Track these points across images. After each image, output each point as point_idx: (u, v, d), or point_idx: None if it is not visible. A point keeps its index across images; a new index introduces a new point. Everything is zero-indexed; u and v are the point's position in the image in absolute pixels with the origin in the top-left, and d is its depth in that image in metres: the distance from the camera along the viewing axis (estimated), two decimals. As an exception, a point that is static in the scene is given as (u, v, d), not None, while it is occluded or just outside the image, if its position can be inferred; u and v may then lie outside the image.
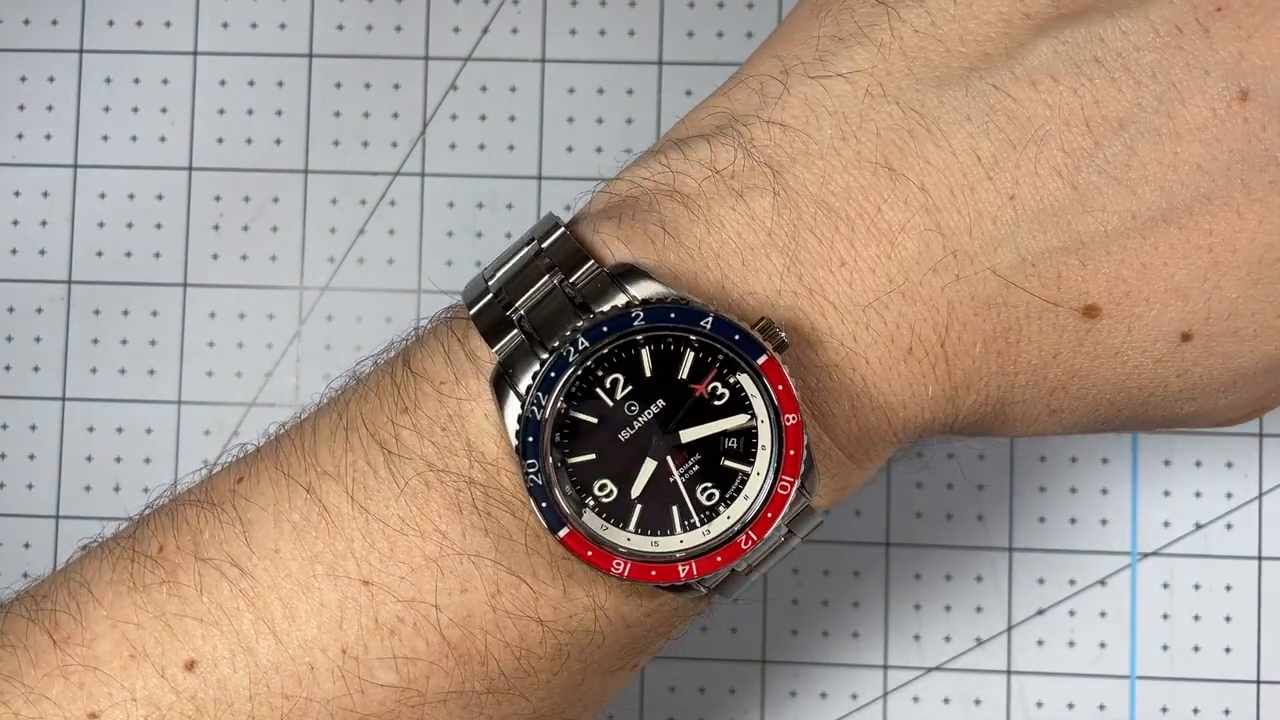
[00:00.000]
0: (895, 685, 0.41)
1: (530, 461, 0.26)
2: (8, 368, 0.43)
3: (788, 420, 0.26)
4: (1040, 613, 0.41)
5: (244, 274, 0.43)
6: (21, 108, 0.44)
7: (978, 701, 0.41)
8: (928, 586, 0.42)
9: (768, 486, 0.27)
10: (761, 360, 0.26)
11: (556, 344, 0.27)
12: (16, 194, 0.44)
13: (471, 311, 0.28)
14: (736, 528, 0.27)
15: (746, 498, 0.27)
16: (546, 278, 0.28)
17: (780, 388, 0.26)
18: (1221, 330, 0.28)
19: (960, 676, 0.41)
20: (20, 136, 0.44)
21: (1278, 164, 0.27)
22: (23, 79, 0.44)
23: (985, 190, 0.27)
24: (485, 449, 0.27)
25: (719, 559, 0.27)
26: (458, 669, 0.27)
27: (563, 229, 0.28)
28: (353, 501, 0.27)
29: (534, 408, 0.26)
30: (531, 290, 0.28)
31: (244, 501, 0.28)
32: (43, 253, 0.44)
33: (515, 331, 0.27)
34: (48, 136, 0.44)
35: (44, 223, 0.44)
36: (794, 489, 0.27)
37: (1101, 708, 0.41)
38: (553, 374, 0.27)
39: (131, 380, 0.43)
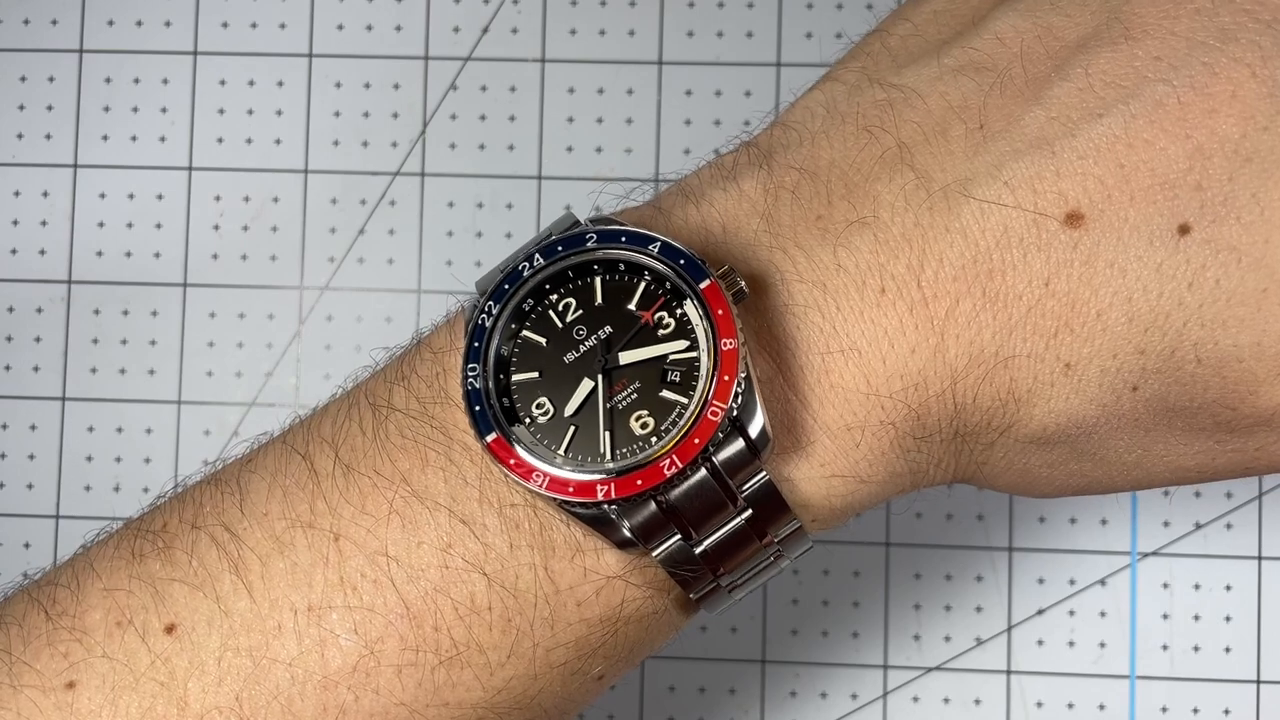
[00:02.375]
0: (895, 685, 0.41)
1: (472, 366, 0.27)
2: (8, 368, 0.43)
3: (724, 345, 0.26)
4: (1040, 613, 0.41)
5: (244, 274, 0.43)
6: (21, 108, 0.44)
7: (978, 701, 0.41)
8: (928, 586, 0.42)
9: (698, 411, 0.26)
10: (704, 285, 0.26)
11: (514, 264, 0.28)
12: (16, 194, 0.44)
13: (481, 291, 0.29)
14: (662, 453, 0.26)
15: (681, 428, 0.26)
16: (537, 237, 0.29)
17: (720, 312, 0.26)
18: (1222, 215, 0.26)
19: (960, 676, 0.41)
20: (20, 136, 0.44)
21: (1237, 40, 0.26)
22: (23, 79, 0.44)
23: (955, 128, 0.27)
24: (456, 396, 0.28)
25: (639, 481, 0.26)
26: (411, 631, 0.27)
27: (576, 219, 0.29)
28: (338, 461, 0.28)
29: (484, 315, 0.27)
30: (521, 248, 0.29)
31: (247, 474, 0.29)
32: (43, 253, 0.44)
33: (496, 271, 0.28)
34: (48, 136, 0.44)
35: (44, 223, 0.44)
36: (724, 415, 0.26)
37: (1101, 708, 0.41)
38: (506, 285, 0.27)
39: (131, 380, 0.43)
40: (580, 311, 0.27)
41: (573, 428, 0.27)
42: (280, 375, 0.43)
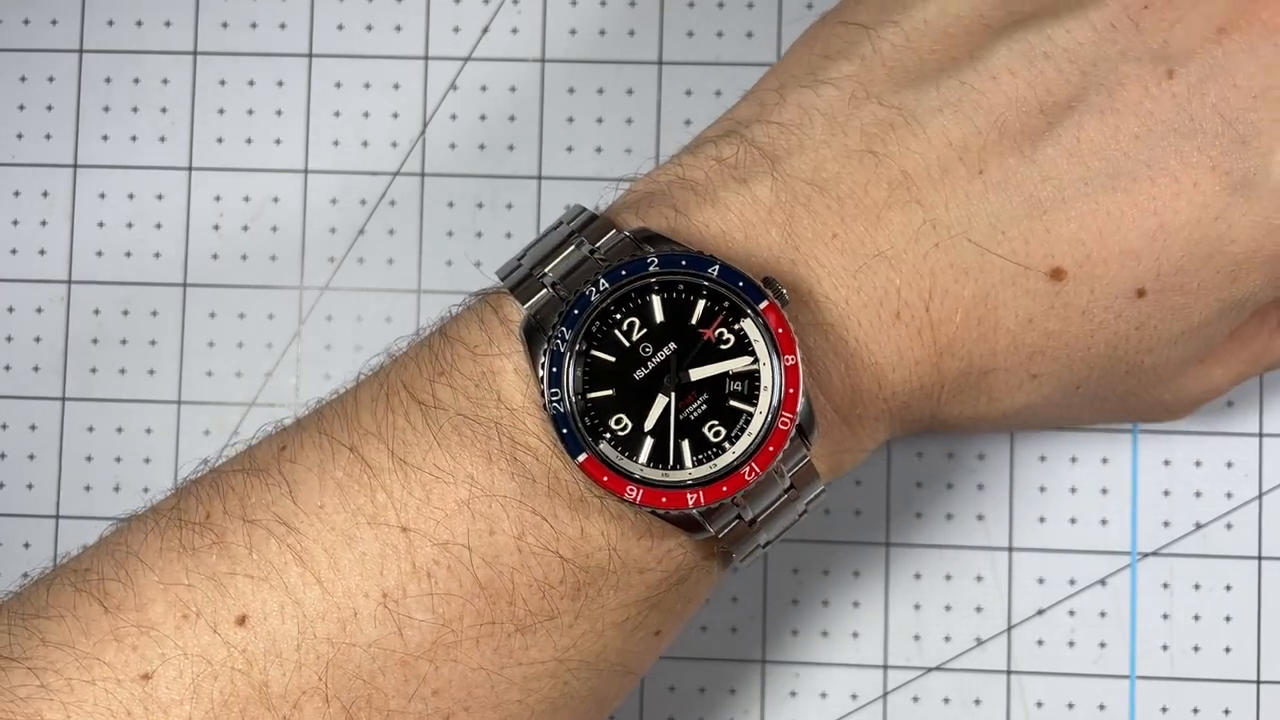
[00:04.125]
0: (895, 685, 0.41)
1: (553, 391, 0.29)
2: (8, 368, 0.43)
3: (787, 360, 0.29)
4: (1040, 613, 0.41)
5: (244, 274, 0.43)
6: (21, 108, 0.44)
7: (978, 701, 0.41)
8: (928, 586, 0.42)
9: (769, 422, 0.29)
10: (763, 305, 0.29)
11: (580, 289, 0.30)
12: (16, 194, 0.44)
13: (504, 280, 0.31)
14: (740, 460, 0.29)
15: (750, 434, 0.29)
16: (574, 247, 0.30)
17: (780, 331, 0.29)
18: (1170, 285, 0.32)
19: (960, 676, 0.41)
20: (20, 136, 0.44)
21: (1204, 133, 0.31)
22: (23, 79, 0.44)
23: (957, 169, 0.31)
24: (514, 400, 0.30)
25: (724, 488, 0.29)
26: (488, 607, 0.29)
27: (588, 211, 0.31)
28: (392, 455, 0.29)
29: (558, 341, 0.29)
30: (560, 258, 0.30)
31: (289, 465, 0.30)
32: (43, 253, 0.44)
33: (546, 290, 0.30)
34: (48, 136, 0.44)
35: (44, 223, 0.44)
36: (793, 425, 0.29)
37: (1101, 708, 0.41)
38: (576, 311, 0.29)
39: (131, 380, 0.43)
40: (644, 330, 0.30)
41: (650, 439, 0.29)
42: (280, 375, 0.43)
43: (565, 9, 0.44)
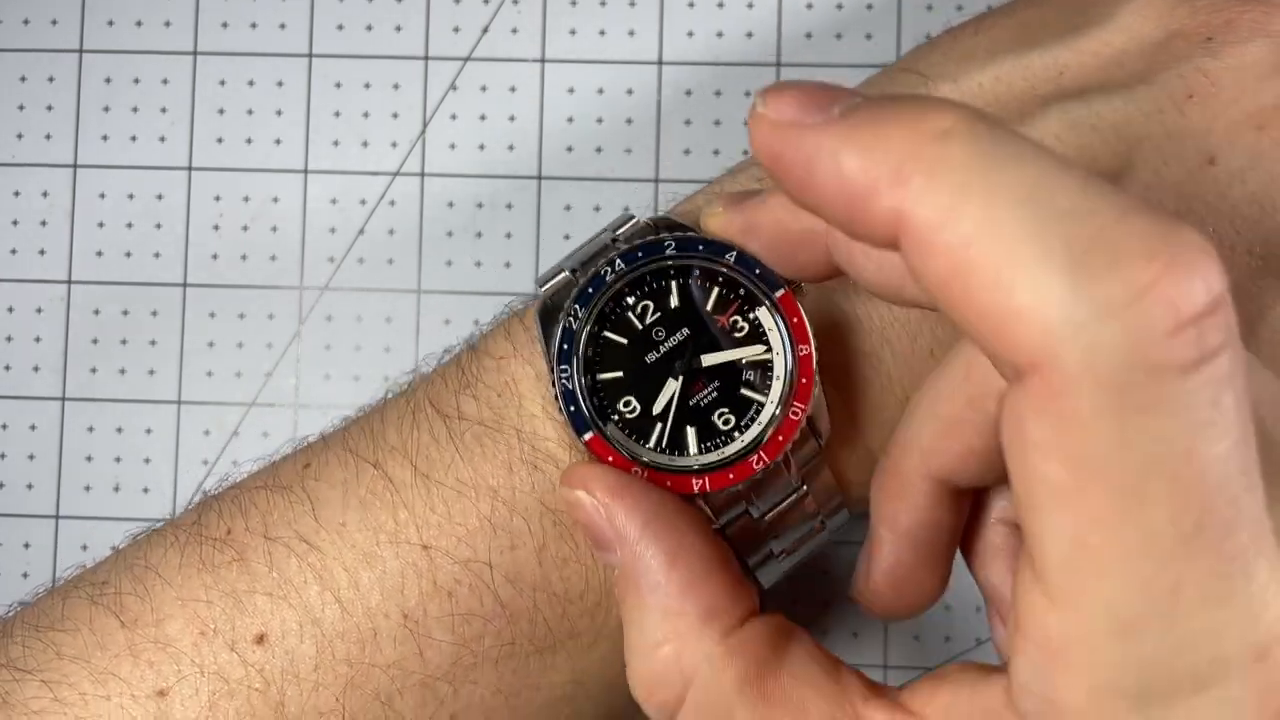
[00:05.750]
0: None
1: (563, 368, 0.29)
2: (8, 368, 0.43)
3: (801, 350, 0.29)
4: (1040, 613, 0.41)
5: (244, 274, 0.43)
6: (21, 108, 0.44)
7: (978, 701, 0.41)
8: (928, 586, 0.42)
9: (780, 410, 0.29)
10: (779, 294, 0.29)
11: (596, 269, 0.29)
12: (16, 194, 0.44)
13: (541, 286, 0.30)
14: (749, 448, 0.29)
15: (760, 423, 0.29)
16: (597, 235, 0.30)
17: (795, 320, 0.29)
18: None
19: (960, 676, 0.41)
20: (20, 136, 0.44)
21: (1242, 218, 0.31)
22: (23, 79, 0.44)
23: None
24: (534, 406, 0.29)
25: (731, 475, 0.28)
26: (508, 627, 0.29)
27: (635, 218, 0.31)
28: (416, 471, 0.29)
29: (570, 319, 0.29)
30: (584, 246, 0.30)
31: (313, 482, 0.30)
32: (43, 253, 0.44)
33: (564, 274, 0.30)
34: (48, 136, 0.44)
35: (44, 223, 0.44)
36: (804, 415, 0.28)
37: (1101, 708, 0.41)
38: (590, 290, 0.29)
39: (131, 380, 0.43)
40: (658, 314, 0.29)
41: (659, 424, 0.29)
42: (280, 375, 0.43)
43: (565, 9, 0.43)
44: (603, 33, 0.43)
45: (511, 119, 0.43)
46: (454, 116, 0.43)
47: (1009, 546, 0.28)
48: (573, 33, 0.43)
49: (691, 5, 0.43)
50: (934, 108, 0.21)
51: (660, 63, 0.43)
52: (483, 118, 0.43)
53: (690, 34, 0.43)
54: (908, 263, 0.21)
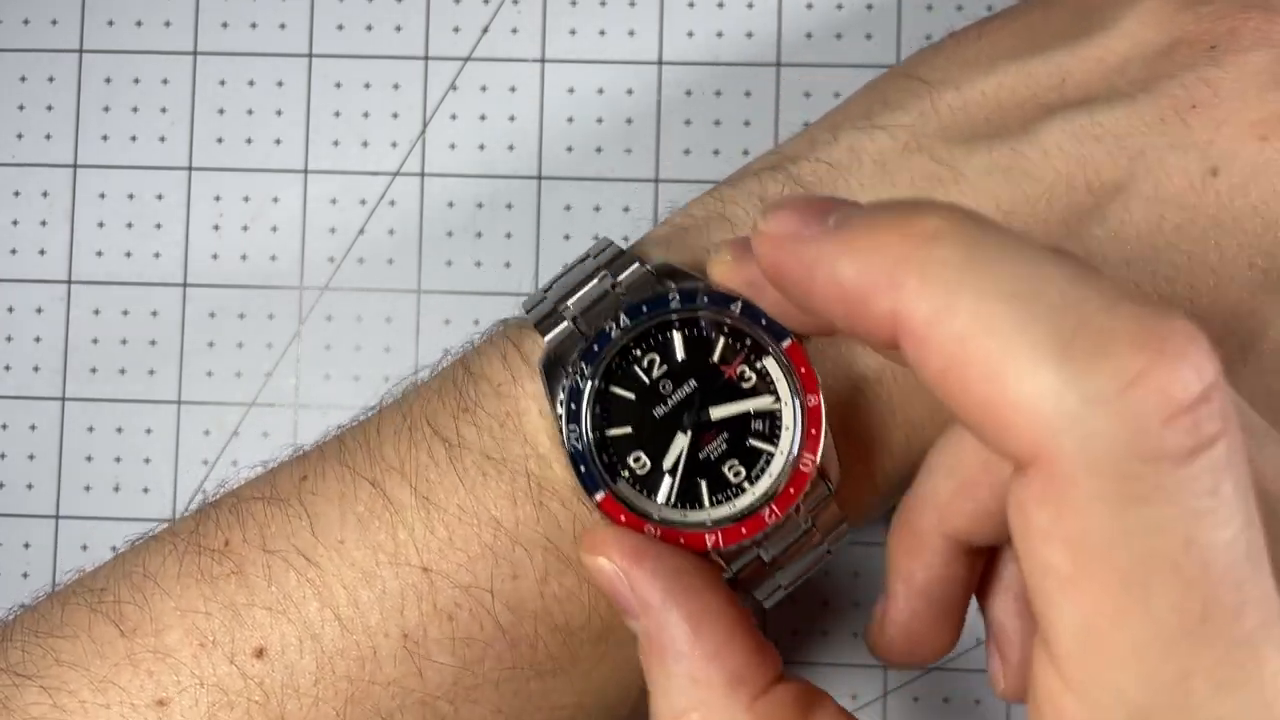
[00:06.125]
0: (895, 685, 0.41)
1: (572, 427, 0.28)
2: (8, 368, 0.43)
3: (810, 401, 0.28)
4: (1040, 613, 0.41)
5: (244, 274, 0.43)
6: (21, 108, 0.44)
7: (978, 701, 0.41)
8: (928, 586, 0.42)
9: (791, 462, 0.28)
10: (786, 344, 0.28)
11: (601, 325, 0.29)
12: (16, 194, 0.44)
13: (529, 313, 0.30)
14: (761, 501, 0.28)
15: (770, 475, 0.29)
16: (597, 280, 0.30)
17: (803, 370, 0.28)
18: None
19: (960, 676, 0.41)
20: (20, 136, 0.44)
21: (1244, 231, 0.31)
22: (23, 79, 0.44)
23: None
24: (539, 442, 0.29)
25: (743, 530, 0.28)
26: (509, 652, 0.29)
27: (615, 245, 0.31)
28: (415, 493, 0.29)
29: (578, 378, 0.28)
30: (583, 291, 0.30)
31: (310, 496, 0.30)
32: (43, 253, 0.44)
33: (566, 323, 0.29)
34: (48, 136, 0.44)
35: (44, 223, 0.44)
36: (814, 468, 0.28)
37: (1101, 708, 0.41)
38: (595, 347, 0.29)
39: (131, 380, 0.43)
40: (665, 367, 0.29)
41: (669, 478, 0.29)
42: (280, 375, 0.43)
43: (565, 9, 0.43)
44: (603, 33, 0.43)
45: (511, 119, 0.43)
46: (454, 116, 0.43)
47: (1018, 586, 0.28)
48: (573, 33, 0.43)
49: (691, 5, 0.43)
50: (922, 211, 0.21)
51: (660, 63, 0.43)
52: (483, 118, 0.43)
53: (690, 34, 0.43)
54: (909, 360, 0.21)
